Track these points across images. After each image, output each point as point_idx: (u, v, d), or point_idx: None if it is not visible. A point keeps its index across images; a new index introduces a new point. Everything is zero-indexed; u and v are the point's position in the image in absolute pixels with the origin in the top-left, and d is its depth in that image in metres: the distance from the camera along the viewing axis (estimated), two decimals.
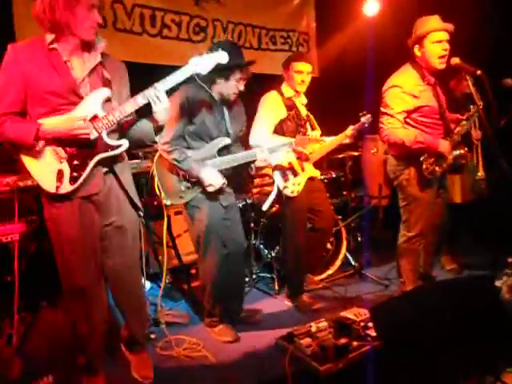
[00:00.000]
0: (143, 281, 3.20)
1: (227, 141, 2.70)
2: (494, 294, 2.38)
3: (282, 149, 2.86)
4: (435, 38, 2.75)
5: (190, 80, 2.20)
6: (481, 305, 2.12)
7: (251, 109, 3.09)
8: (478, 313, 2.09)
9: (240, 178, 2.93)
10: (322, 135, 3.31)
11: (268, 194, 3.91)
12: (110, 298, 2.39)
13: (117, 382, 2.34)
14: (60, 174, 1.96)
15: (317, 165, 3.43)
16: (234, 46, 2.78)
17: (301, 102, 3.28)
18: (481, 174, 3.41)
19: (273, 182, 3.16)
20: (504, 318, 2.19)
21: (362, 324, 2.59)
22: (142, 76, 3.89)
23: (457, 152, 2.88)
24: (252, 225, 3.78)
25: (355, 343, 2.42)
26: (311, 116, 3.38)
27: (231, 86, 2.63)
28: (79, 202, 2.02)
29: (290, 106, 3.17)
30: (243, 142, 3.00)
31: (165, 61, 4.10)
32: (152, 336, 2.76)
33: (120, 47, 3.91)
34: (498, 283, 3.01)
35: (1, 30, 3.25)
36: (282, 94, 3.18)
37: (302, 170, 3.16)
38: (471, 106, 2.84)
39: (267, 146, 2.79)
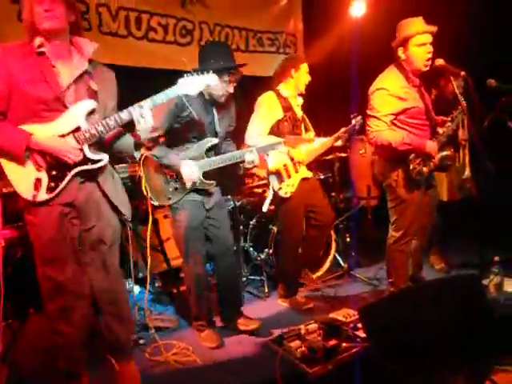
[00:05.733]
0: (132, 285, 3.20)
1: (215, 141, 2.70)
2: (482, 293, 2.39)
3: (272, 148, 2.87)
4: (419, 41, 2.76)
5: None
6: (468, 304, 2.13)
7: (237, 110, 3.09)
8: (466, 312, 2.10)
9: (228, 179, 2.92)
10: (315, 136, 3.38)
11: (256, 195, 3.97)
12: None
13: None
14: (38, 182, 1.95)
15: (306, 166, 3.44)
16: (225, 47, 2.81)
17: (296, 103, 3.32)
18: (467, 173, 3.44)
19: (268, 184, 3.23)
20: (491, 317, 2.21)
21: (352, 325, 2.60)
22: (128, 80, 3.91)
23: (443, 153, 2.90)
24: (241, 227, 3.78)
25: (344, 344, 2.43)
26: (306, 117, 3.41)
27: (220, 88, 2.62)
28: (57, 208, 2.01)
29: (287, 108, 3.21)
30: (234, 137, 3.01)
31: (151, 64, 4.09)
32: (141, 341, 2.74)
33: (106, 50, 3.86)
34: (485, 282, 3.04)
35: None
36: (278, 95, 3.21)
37: (296, 171, 3.21)
38: (455, 108, 2.86)
39: (257, 146, 2.80)
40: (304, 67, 3.22)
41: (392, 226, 3.05)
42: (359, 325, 2.54)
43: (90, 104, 2.01)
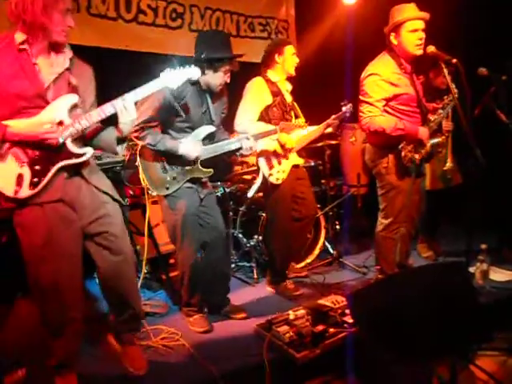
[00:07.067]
0: None
1: (212, 129, 2.68)
2: (468, 280, 2.42)
3: (267, 135, 2.87)
4: (411, 27, 2.76)
5: None
6: (454, 291, 2.16)
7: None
8: (452, 298, 2.13)
9: (218, 165, 2.90)
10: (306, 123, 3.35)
11: (246, 181, 3.95)
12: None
13: (99, 378, 2.29)
14: (20, 178, 1.91)
15: (297, 153, 3.43)
16: (225, 36, 2.78)
17: (285, 88, 3.28)
18: (449, 164, 3.46)
19: (258, 169, 3.20)
20: (476, 304, 2.24)
21: (340, 311, 2.62)
22: (117, 62, 3.86)
23: (435, 140, 2.91)
24: (231, 214, 3.78)
25: (332, 330, 2.45)
26: (295, 104, 3.38)
27: (218, 78, 2.62)
28: (49, 207, 1.97)
29: (276, 92, 3.17)
30: (225, 124, 2.99)
31: (141, 47, 4.02)
32: None
33: (94, 33, 3.82)
34: (471, 269, 3.08)
35: None
36: (267, 80, 3.18)
37: (287, 158, 3.19)
38: (446, 96, 2.86)
39: (252, 132, 2.79)
40: (288, 49, 3.16)
41: (381, 213, 3.06)
42: (347, 311, 2.57)
43: (72, 98, 1.98)
